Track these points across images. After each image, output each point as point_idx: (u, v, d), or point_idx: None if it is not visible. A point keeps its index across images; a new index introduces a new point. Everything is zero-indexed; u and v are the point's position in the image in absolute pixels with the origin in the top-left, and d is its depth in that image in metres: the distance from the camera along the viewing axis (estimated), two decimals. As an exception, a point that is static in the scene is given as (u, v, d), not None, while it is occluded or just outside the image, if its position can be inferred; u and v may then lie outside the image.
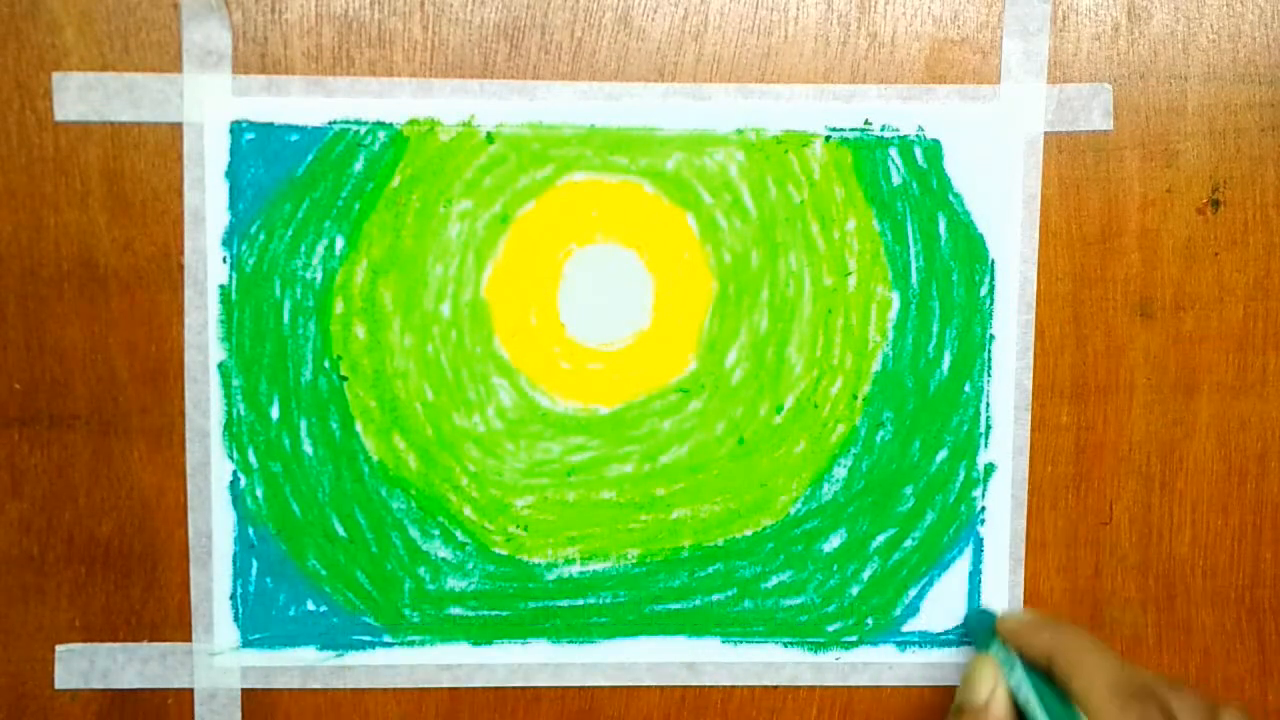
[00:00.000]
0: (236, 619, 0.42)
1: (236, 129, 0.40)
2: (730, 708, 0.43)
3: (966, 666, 0.40)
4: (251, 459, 0.42)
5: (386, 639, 0.42)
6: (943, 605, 0.43)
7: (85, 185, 0.41)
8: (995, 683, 0.39)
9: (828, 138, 0.41)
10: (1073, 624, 0.41)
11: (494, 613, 0.42)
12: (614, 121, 0.41)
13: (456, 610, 0.42)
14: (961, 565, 0.43)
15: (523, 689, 0.43)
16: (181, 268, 0.41)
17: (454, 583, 0.42)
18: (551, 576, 0.42)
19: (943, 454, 0.43)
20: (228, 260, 0.41)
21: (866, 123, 0.41)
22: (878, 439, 0.42)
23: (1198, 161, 0.42)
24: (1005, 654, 0.39)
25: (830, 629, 0.43)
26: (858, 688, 0.43)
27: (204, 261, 0.41)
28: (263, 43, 0.40)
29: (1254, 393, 0.43)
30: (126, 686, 0.42)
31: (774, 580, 0.43)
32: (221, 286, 0.41)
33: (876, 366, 0.42)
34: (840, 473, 0.43)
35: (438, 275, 0.41)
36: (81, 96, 0.40)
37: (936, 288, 0.42)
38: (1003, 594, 0.43)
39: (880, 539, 0.43)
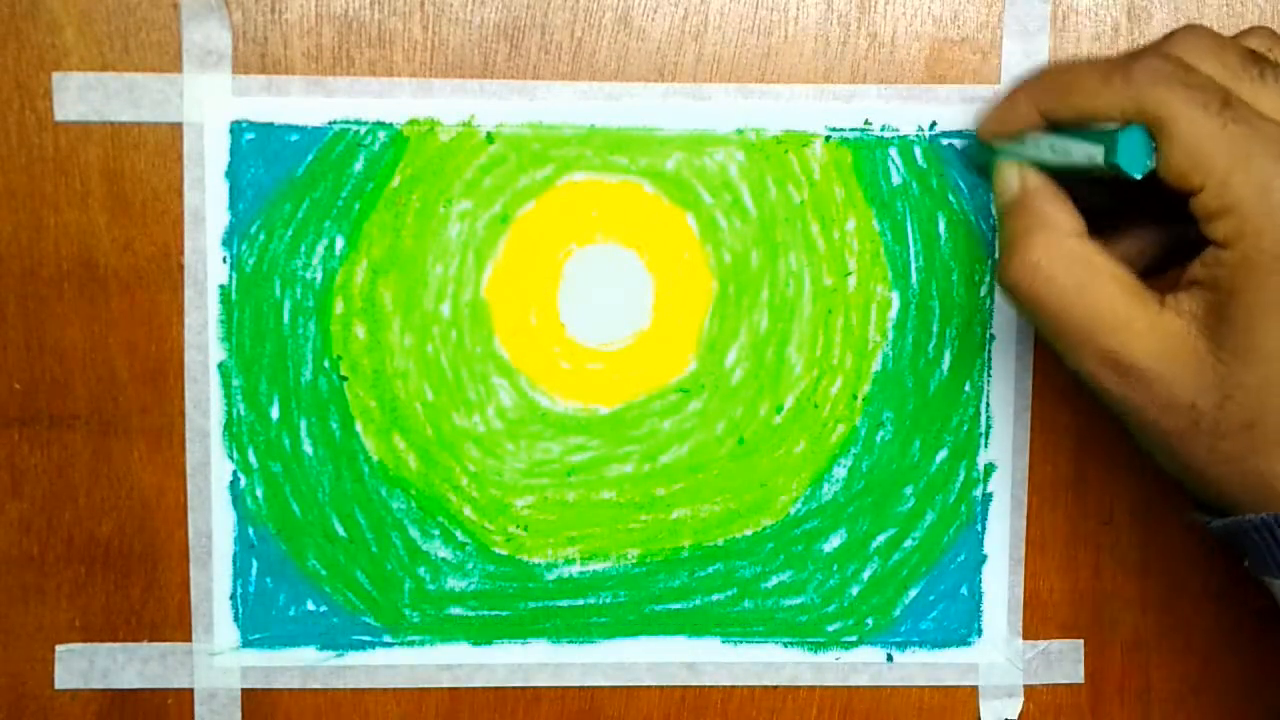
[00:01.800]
0: (236, 619, 0.42)
1: (236, 129, 0.40)
2: (730, 708, 0.43)
3: (993, 182, 0.36)
4: (251, 459, 0.42)
5: (386, 639, 0.42)
6: (943, 605, 0.43)
7: (85, 185, 0.41)
8: (1020, 169, 0.35)
9: (828, 138, 0.41)
10: (1041, 67, 0.37)
11: (494, 613, 0.42)
12: (614, 121, 0.41)
13: (456, 610, 0.42)
14: (962, 565, 0.43)
15: (523, 689, 0.43)
16: (181, 268, 0.41)
17: (454, 583, 0.42)
18: (551, 576, 0.42)
19: (943, 454, 0.43)
20: (228, 260, 0.41)
21: (866, 123, 0.41)
22: (878, 439, 0.42)
23: (1198, 161, 0.42)
24: (1010, 143, 0.36)
25: (830, 629, 0.43)
26: (858, 688, 0.43)
27: (204, 261, 0.41)
28: (263, 43, 0.40)
29: (1254, 393, 0.43)
30: (126, 686, 0.42)
31: (774, 580, 0.43)
32: (221, 286, 0.41)
33: (876, 366, 0.42)
34: (840, 473, 0.43)
35: (438, 275, 0.41)
36: (81, 96, 0.40)
37: (936, 288, 0.42)
38: (1002, 594, 0.43)
39: (880, 539, 0.43)
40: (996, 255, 0.35)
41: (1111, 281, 0.33)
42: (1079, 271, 0.33)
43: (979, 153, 0.39)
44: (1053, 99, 0.35)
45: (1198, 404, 0.32)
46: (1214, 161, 0.31)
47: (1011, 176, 0.36)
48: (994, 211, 0.36)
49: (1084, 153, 0.33)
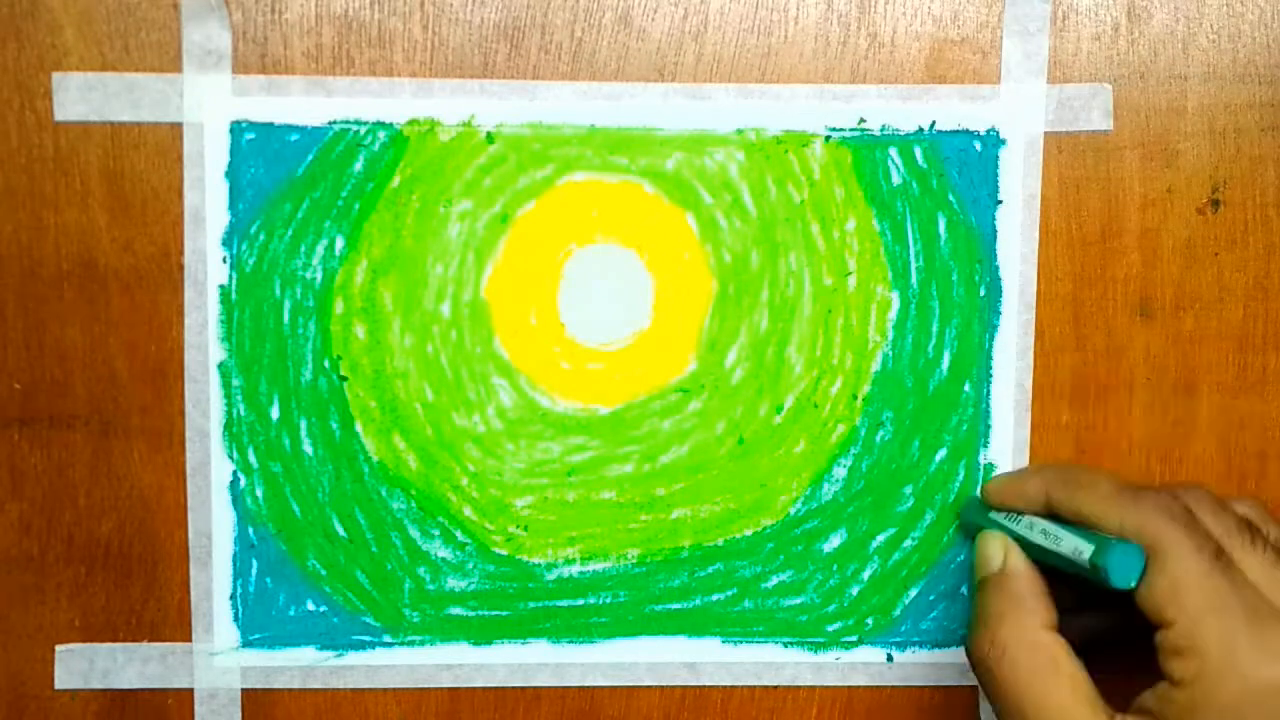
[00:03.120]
0: (236, 619, 0.42)
1: (236, 129, 0.40)
2: (730, 708, 0.43)
3: (976, 547, 0.39)
4: (251, 459, 0.42)
5: (386, 639, 0.42)
6: (943, 605, 0.43)
7: (85, 185, 0.41)
8: (1006, 545, 0.38)
9: (828, 138, 0.41)
10: (1056, 463, 0.41)
11: (494, 613, 0.42)
12: (614, 121, 0.41)
13: (456, 610, 0.42)
14: (962, 565, 0.43)
15: (523, 689, 0.43)
16: (181, 268, 0.41)
17: (454, 583, 0.42)
18: (551, 576, 0.42)
19: (942, 454, 0.43)
20: (228, 260, 0.41)
21: (866, 123, 0.41)
22: (878, 439, 0.42)
23: (1198, 161, 0.42)
24: (1005, 516, 0.39)
25: (830, 629, 0.43)
26: (858, 688, 0.43)
27: (204, 261, 0.41)
28: (263, 43, 0.40)
29: (1254, 393, 0.43)
30: (126, 686, 0.42)
31: (774, 580, 0.43)
32: (221, 286, 0.41)
33: (876, 366, 0.42)
34: (840, 473, 0.43)
35: (438, 275, 0.41)
36: (81, 96, 0.40)
37: (936, 288, 0.42)
38: (1003, 594, 0.43)
39: (880, 539, 0.43)
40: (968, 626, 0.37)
41: (1069, 683, 0.34)
42: (1042, 665, 0.35)
43: (974, 513, 0.41)
44: (1063, 490, 0.37)
45: None
46: (1192, 601, 0.33)
47: (996, 551, 0.38)
48: (969, 580, 0.39)
49: (1073, 546, 0.35)
